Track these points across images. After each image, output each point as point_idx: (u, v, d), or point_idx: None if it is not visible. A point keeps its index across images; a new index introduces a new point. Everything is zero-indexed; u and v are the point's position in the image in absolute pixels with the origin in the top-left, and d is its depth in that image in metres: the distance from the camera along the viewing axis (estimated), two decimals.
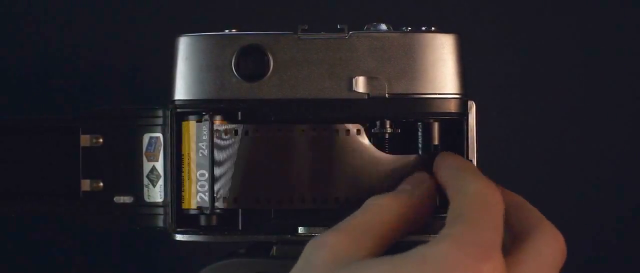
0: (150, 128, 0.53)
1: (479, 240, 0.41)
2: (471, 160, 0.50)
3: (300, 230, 0.51)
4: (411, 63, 0.50)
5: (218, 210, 0.50)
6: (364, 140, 0.50)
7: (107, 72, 0.74)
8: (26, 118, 0.54)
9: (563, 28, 0.76)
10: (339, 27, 0.51)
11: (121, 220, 0.53)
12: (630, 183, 0.76)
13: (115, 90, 0.74)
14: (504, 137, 0.76)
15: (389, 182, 0.50)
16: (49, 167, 0.53)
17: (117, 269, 0.76)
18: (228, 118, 0.51)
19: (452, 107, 0.51)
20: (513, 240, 0.45)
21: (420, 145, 0.51)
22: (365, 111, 0.50)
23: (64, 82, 0.74)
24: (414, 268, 0.41)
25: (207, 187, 0.50)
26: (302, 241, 0.50)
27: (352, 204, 0.50)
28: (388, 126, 0.51)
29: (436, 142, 0.51)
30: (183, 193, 0.51)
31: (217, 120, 0.51)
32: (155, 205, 0.52)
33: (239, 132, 0.50)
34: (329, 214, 0.50)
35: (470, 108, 0.51)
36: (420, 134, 0.51)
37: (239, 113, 0.51)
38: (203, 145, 0.50)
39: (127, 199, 0.52)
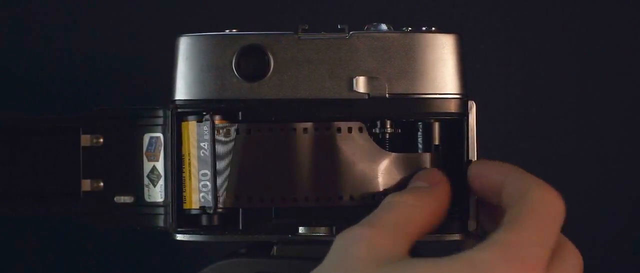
0: (150, 128, 0.53)
1: (527, 255, 0.41)
2: (471, 161, 0.51)
3: (301, 230, 0.51)
4: (411, 63, 0.50)
5: (220, 210, 0.51)
6: (366, 138, 0.50)
7: (107, 72, 0.74)
8: (26, 118, 0.54)
9: (563, 28, 0.76)
10: (339, 27, 0.51)
11: (121, 220, 0.53)
12: (631, 183, 0.76)
13: (115, 90, 0.74)
14: (504, 137, 0.76)
15: (391, 180, 0.50)
16: (49, 167, 0.53)
17: (117, 269, 0.76)
18: (228, 118, 0.51)
19: (453, 107, 0.51)
20: (508, 205, 0.45)
21: (420, 145, 0.52)
22: (366, 111, 0.50)
23: (64, 82, 0.74)
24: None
25: (209, 187, 0.50)
26: (303, 241, 0.51)
27: (354, 203, 0.50)
28: (388, 126, 0.51)
29: (436, 142, 0.51)
30: (183, 193, 0.51)
31: (218, 120, 0.51)
32: (155, 205, 0.52)
33: (241, 131, 0.50)
34: (330, 213, 0.50)
35: (471, 108, 0.51)
36: (420, 133, 0.52)
37: (240, 113, 0.51)
38: (204, 144, 0.50)
39: (127, 199, 0.52)
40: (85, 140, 0.53)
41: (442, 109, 0.51)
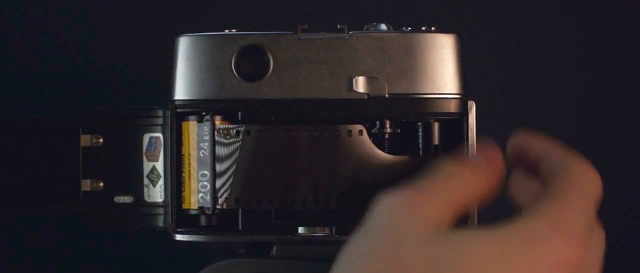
0: (150, 128, 0.53)
1: (574, 227, 0.42)
2: None
3: (300, 230, 0.51)
4: (411, 63, 0.50)
5: (219, 210, 0.51)
6: (366, 141, 0.50)
7: (107, 72, 0.74)
8: (26, 118, 0.54)
9: (563, 28, 0.76)
10: (339, 27, 0.51)
11: (121, 220, 0.53)
12: (631, 183, 0.76)
13: (115, 90, 0.74)
14: (504, 137, 0.76)
15: (391, 183, 0.50)
16: (49, 167, 0.53)
17: (117, 269, 0.76)
18: (228, 118, 0.51)
19: (452, 107, 0.51)
20: (548, 177, 0.45)
21: (420, 145, 0.51)
22: (365, 111, 0.50)
23: (64, 82, 0.74)
24: (517, 248, 0.40)
25: (208, 187, 0.50)
26: (302, 241, 0.50)
27: (353, 205, 0.50)
28: (388, 126, 0.51)
29: (436, 142, 0.51)
30: (183, 193, 0.51)
31: (218, 120, 0.51)
32: (155, 205, 0.52)
33: (241, 132, 0.50)
34: (329, 214, 0.50)
35: (470, 108, 0.51)
36: (420, 134, 0.51)
37: (239, 113, 0.51)
38: (204, 145, 0.50)
39: (127, 199, 0.52)
40: (85, 140, 0.53)
41: (442, 109, 0.51)
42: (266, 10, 0.75)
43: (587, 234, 0.42)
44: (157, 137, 0.53)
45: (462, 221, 0.48)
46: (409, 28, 0.51)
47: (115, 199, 0.53)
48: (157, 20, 0.75)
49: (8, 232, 0.75)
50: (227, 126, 0.50)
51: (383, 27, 0.51)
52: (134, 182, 0.52)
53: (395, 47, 0.50)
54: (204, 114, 0.51)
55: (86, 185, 0.53)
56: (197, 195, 0.51)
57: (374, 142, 0.50)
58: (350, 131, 0.50)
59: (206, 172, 0.50)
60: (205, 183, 0.50)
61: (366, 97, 0.50)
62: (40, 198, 0.53)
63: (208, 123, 0.50)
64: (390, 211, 0.42)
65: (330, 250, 0.50)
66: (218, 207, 0.50)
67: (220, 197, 0.50)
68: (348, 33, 0.51)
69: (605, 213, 0.76)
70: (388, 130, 0.51)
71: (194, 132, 0.51)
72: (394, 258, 0.40)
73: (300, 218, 0.51)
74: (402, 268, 0.40)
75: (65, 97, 0.74)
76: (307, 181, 0.50)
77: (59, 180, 0.53)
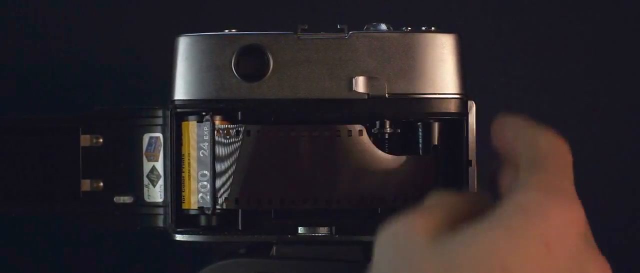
0: (150, 128, 0.53)
1: (565, 190, 0.42)
2: (471, 161, 0.50)
3: (300, 230, 0.51)
4: (411, 63, 0.50)
5: (219, 210, 0.50)
6: (366, 141, 0.50)
7: (107, 72, 0.74)
8: (26, 118, 0.54)
9: (563, 27, 0.76)
10: (338, 27, 0.51)
11: (121, 220, 0.53)
12: (631, 183, 0.76)
13: (115, 90, 0.74)
14: None
15: (391, 183, 0.50)
16: (49, 167, 0.53)
17: (117, 269, 0.76)
18: (228, 118, 0.51)
19: (452, 107, 0.51)
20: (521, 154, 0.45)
21: (420, 146, 0.51)
22: (365, 111, 0.50)
23: (64, 82, 0.74)
24: (521, 221, 0.40)
25: (208, 187, 0.50)
26: (302, 241, 0.50)
27: (352, 206, 0.50)
28: (388, 126, 0.51)
29: (436, 142, 0.51)
30: (183, 193, 0.51)
31: (218, 120, 0.51)
32: (155, 205, 0.52)
33: (241, 132, 0.50)
34: (329, 214, 0.50)
35: (470, 108, 0.51)
36: (420, 134, 0.51)
37: (239, 113, 0.51)
38: (204, 145, 0.50)
39: (127, 199, 0.52)
40: (85, 140, 0.53)
41: (441, 109, 0.51)
42: (266, 10, 0.75)
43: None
44: (157, 137, 0.53)
45: None
46: (409, 28, 0.51)
47: (115, 199, 0.53)
48: (157, 20, 0.75)
49: (8, 232, 0.75)
50: (227, 126, 0.50)
51: (383, 27, 0.51)
52: (134, 182, 0.52)
53: (395, 47, 0.50)
54: (203, 113, 0.51)
55: (86, 185, 0.53)
56: (197, 195, 0.51)
57: (374, 142, 0.50)
58: (350, 131, 0.50)
59: (206, 172, 0.50)
60: (205, 183, 0.50)
61: (366, 97, 0.50)
62: (40, 198, 0.53)
63: (208, 123, 0.50)
64: (391, 238, 0.42)
65: (330, 250, 0.51)
66: (218, 207, 0.50)
67: (220, 197, 0.50)
68: (348, 33, 0.51)
69: (606, 212, 0.76)
70: (388, 130, 0.51)
71: (194, 132, 0.51)
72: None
73: (300, 218, 0.51)
74: None
75: (65, 97, 0.74)
76: (307, 181, 0.50)
77: (58, 180, 0.53)
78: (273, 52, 0.50)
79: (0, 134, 0.53)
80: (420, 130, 0.51)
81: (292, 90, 0.50)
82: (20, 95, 0.74)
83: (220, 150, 0.50)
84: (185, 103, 0.51)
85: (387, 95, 0.50)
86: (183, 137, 0.51)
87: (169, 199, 0.52)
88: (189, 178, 0.51)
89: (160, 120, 0.52)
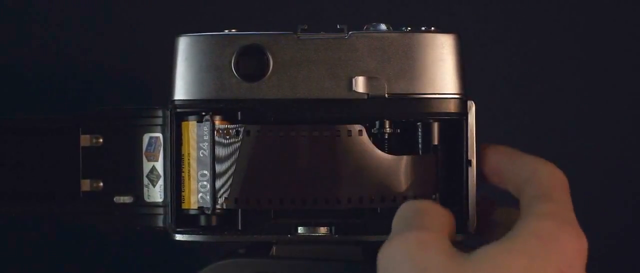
0: (150, 128, 0.53)
1: (570, 220, 0.44)
2: (470, 161, 0.51)
3: (300, 230, 0.51)
4: (411, 63, 0.50)
5: (218, 210, 0.51)
6: (366, 141, 0.50)
7: (107, 72, 0.74)
8: (26, 118, 0.54)
9: (563, 28, 0.76)
10: (338, 27, 0.51)
11: (121, 220, 0.53)
12: (631, 183, 0.76)
13: (115, 90, 0.74)
14: (504, 137, 0.76)
15: (391, 183, 0.50)
16: (49, 167, 0.53)
17: (117, 269, 0.76)
18: (228, 118, 0.51)
19: (452, 107, 0.51)
20: (520, 184, 0.48)
21: (420, 146, 0.51)
22: (365, 111, 0.50)
23: (64, 82, 0.74)
24: (538, 248, 0.43)
25: (208, 187, 0.50)
26: (302, 241, 0.50)
27: (352, 206, 0.50)
28: (387, 126, 0.51)
29: (436, 142, 0.51)
30: (183, 193, 0.51)
31: (218, 120, 0.51)
32: (155, 205, 0.52)
33: (241, 132, 0.50)
34: (329, 214, 0.50)
35: (470, 108, 0.51)
36: (419, 134, 0.51)
37: (239, 113, 0.51)
38: (204, 145, 0.50)
39: (127, 199, 0.52)
40: (85, 140, 0.53)
41: (441, 109, 0.51)
42: (266, 10, 0.75)
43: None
44: (157, 137, 0.53)
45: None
46: (409, 28, 0.51)
47: (115, 199, 0.53)
48: (157, 20, 0.75)
49: (8, 232, 0.75)
50: (226, 126, 0.50)
51: (383, 27, 0.51)
52: (134, 182, 0.52)
53: (395, 47, 0.50)
54: (203, 114, 0.51)
55: (86, 185, 0.53)
56: (196, 195, 0.51)
57: (374, 142, 0.50)
58: (350, 131, 0.50)
59: (206, 172, 0.50)
60: (205, 183, 0.50)
61: (366, 97, 0.50)
62: (40, 198, 0.53)
63: (208, 123, 0.50)
64: (406, 256, 0.43)
65: (329, 250, 0.51)
66: (218, 207, 0.50)
67: (220, 197, 0.50)
68: (348, 33, 0.51)
69: (605, 212, 0.76)
70: (388, 130, 0.51)
71: (194, 132, 0.51)
72: None
73: (299, 219, 0.51)
74: None
75: (65, 97, 0.74)
76: (307, 181, 0.50)
77: (58, 180, 0.53)
78: (273, 52, 0.50)
79: (0, 134, 0.53)
80: (420, 130, 0.51)
81: (292, 90, 0.50)
82: (20, 95, 0.74)
83: (220, 150, 0.50)
84: (185, 103, 0.51)
85: (386, 95, 0.50)
86: (183, 137, 0.51)
87: (168, 199, 0.52)
88: (189, 179, 0.51)
89: (160, 120, 0.52)
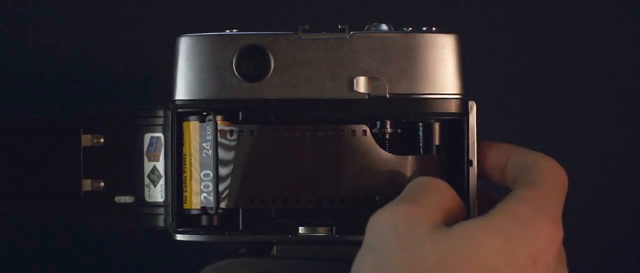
0: (151, 128, 0.53)
1: (551, 209, 0.45)
2: (471, 161, 0.51)
3: (301, 230, 0.51)
4: (412, 63, 0.50)
5: (221, 210, 0.51)
6: (370, 141, 0.50)
7: (108, 72, 0.74)
8: (26, 118, 0.54)
9: (563, 28, 0.76)
10: (339, 27, 0.51)
11: (122, 220, 0.53)
12: (631, 183, 0.76)
13: (116, 90, 0.74)
14: (504, 137, 0.76)
15: (393, 183, 0.50)
16: (49, 167, 0.53)
17: (117, 269, 0.76)
18: (229, 118, 0.51)
19: (453, 107, 0.51)
20: (517, 173, 0.49)
21: (421, 146, 0.52)
22: (366, 111, 0.50)
23: (64, 82, 0.74)
24: (515, 232, 0.44)
25: (211, 187, 0.50)
26: (303, 241, 0.51)
27: (353, 205, 0.50)
28: (388, 126, 0.51)
29: (437, 142, 0.51)
30: (184, 193, 0.51)
31: (219, 120, 0.51)
32: (156, 205, 0.52)
33: (243, 133, 0.50)
34: (330, 214, 0.50)
35: (471, 108, 0.51)
36: (420, 134, 0.52)
37: (240, 113, 0.51)
38: (207, 145, 0.50)
39: (128, 199, 0.52)
40: (86, 140, 0.53)
41: (442, 109, 0.51)
42: (267, 10, 0.75)
43: (561, 218, 0.46)
44: (158, 137, 0.53)
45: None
46: (410, 28, 0.51)
47: (116, 199, 0.53)
48: (157, 20, 0.75)
49: (8, 232, 0.75)
50: (228, 126, 0.50)
51: (384, 27, 0.51)
52: (135, 182, 0.53)
53: (396, 47, 0.50)
54: (205, 114, 0.51)
55: (87, 185, 0.53)
56: (199, 195, 0.51)
57: (375, 142, 0.50)
58: (353, 131, 0.50)
59: (209, 172, 0.50)
60: (208, 183, 0.50)
61: (367, 97, 0.50)
62: (41, 198, 0.53)
63: (211, 123, 0.50)
64: (392, 226, 0.44)
65: (330, 250, 0.51)
66: (221, 206, 0.50)
67: (224, 196, 0.50)
68: (349, 33, 0.51)
69: (605, 212, 0.76)
70: (389, 130, 0.51)
71: (196, 133, 0.51)
72: (412, 262, 0.43)
73: (300, 218, 0.51)
74: (423, 268, 0.43)
75: (66, 97, 0.74)
76: (308, 181, 0.50)
77: (59, 180, 0.53)
78: (274, 52, 0.50)
79: (1, 134, 0.53)
80: (420, 130, 0.52)
81: (293, 90, 0.50)
82: (21, 95, 0.74)
83: (222, 150, 0.50)
84: (187, 103, 0.51)
85: (387, 95, 0.50)
86: (185, 137, 0.51)
87: (169, 199, 0.52)
88: (190, 178, 0.51)
89: (161, 120, 0.52)
